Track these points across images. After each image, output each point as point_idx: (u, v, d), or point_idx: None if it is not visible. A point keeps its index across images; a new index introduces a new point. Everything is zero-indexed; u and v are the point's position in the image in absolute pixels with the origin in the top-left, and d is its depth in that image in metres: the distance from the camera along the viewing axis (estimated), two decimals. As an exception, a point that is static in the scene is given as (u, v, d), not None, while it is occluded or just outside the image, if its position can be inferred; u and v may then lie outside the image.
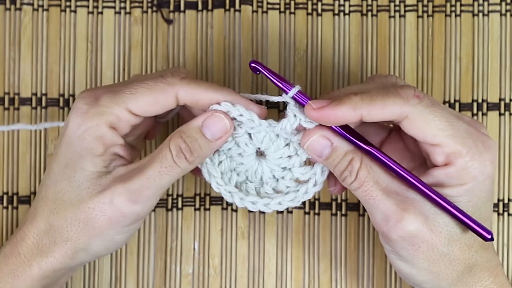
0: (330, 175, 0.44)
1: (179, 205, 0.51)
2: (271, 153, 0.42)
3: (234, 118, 0.40)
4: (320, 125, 0.39)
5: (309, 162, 0.42)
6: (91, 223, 0.39)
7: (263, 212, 0.50)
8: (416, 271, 0.39)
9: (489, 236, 0.39)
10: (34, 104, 0.50)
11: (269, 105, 0.50)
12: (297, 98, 0.39)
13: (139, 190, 0.38)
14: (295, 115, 0.40)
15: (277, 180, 0.43)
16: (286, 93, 0.40)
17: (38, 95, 0.50)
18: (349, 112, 0.37)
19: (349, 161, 0.38)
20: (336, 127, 0.39)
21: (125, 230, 0.40)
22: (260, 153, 0.42)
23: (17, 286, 0.40)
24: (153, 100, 0.39)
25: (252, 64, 0.40)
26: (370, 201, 0.38)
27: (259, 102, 0.46)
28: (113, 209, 0.39)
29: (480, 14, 0.51)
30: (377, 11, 0.51)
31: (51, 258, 0.40)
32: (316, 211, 0.51)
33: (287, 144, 0.42)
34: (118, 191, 0.38)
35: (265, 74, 0.40)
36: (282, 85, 0.40)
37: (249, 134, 0.42)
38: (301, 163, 0.42)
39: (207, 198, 0.51)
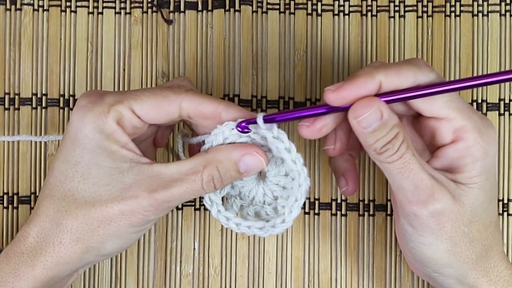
0: (340, 176, 0.44)
1: (179, 205, 0.51)
2: (271, 176, 0.42)
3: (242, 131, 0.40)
4: (369, 97, 0.38)
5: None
6: (108, 222, 0.39)
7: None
8: (439, 254, 0.40)
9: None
10: (34, 104, 0.50)
11: (269, 104, 0.50)
12: (268, 118, 0.39)
13: (162, 200, 0.39)
14: (277, 147, 0.39)
15: (264, 204, 0.42)
16: (256, 122, 0.39)
17: (39, 95, 0.50)
18: (368, 80, 0.37)
19: (395, 135, 0.38)
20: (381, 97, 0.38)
21: (142, 229, 0.40)
22: (261, 174, 0.42)
23: (18, 286, 0.39)
24: (157, 105, 0.39)
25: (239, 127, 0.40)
26: (405, 174, 0.38)
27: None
28: (135, 212, 0.39)
29: (480, 15, 0.51)
30: (377, 11, 0.51)
31: (57, 258, 0.39)
32: (316, 211, 0.51)
33: (287, 175, 0.41)
34: (143, 196, 0.38)
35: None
36: (248, 121, 0.39)
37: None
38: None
39: (207, 198, 0.51)
